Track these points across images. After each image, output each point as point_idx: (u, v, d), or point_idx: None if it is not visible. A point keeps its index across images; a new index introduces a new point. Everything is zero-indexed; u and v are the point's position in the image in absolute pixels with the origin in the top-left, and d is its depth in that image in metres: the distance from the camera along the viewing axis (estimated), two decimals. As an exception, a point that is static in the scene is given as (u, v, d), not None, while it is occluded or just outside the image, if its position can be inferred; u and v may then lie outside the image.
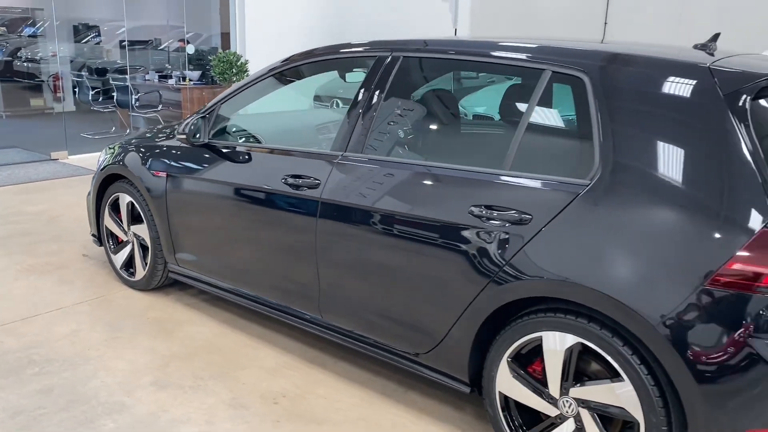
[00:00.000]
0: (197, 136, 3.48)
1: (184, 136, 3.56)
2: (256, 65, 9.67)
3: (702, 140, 2.12)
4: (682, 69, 2.26)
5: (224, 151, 3.44)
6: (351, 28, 10.74)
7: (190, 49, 10.21)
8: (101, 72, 11.22)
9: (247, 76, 9.71)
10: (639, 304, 2.07)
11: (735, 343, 1.97)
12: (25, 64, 12.12)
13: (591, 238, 2.21)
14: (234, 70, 9.13)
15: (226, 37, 10.28)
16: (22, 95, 11.96)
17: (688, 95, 2.18)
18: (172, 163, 3.65)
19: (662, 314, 2.04)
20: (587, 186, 2.26)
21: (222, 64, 9.09)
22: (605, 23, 12.64)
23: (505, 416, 2.51)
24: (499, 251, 2.38)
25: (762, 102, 2.18)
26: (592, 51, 2.46)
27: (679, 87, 2.21)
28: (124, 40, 12.18)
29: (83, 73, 10.94)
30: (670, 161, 2.16)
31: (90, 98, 9.70)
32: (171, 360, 3.27)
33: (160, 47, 13.12)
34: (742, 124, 2.07)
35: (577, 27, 12.00)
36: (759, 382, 1.97)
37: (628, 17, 12.24)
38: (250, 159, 3.33)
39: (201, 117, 3.51)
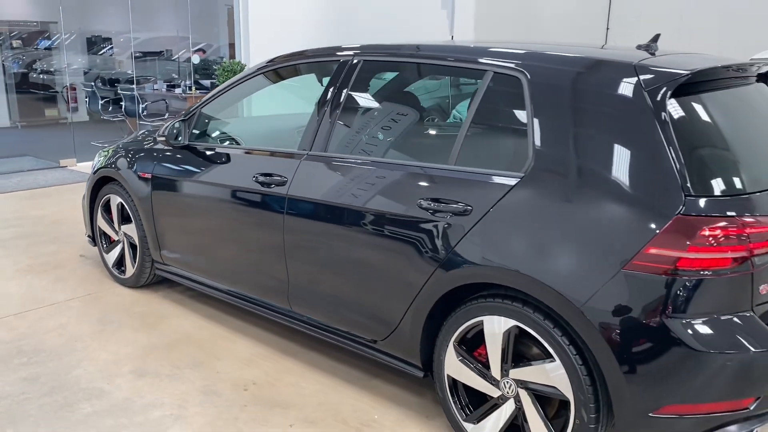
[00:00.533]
0: (178, 138, 3.67)
1: (164, 139, 3.76)
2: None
3: (625, 134, 2.25)
4: (610, 67, 2.39)
5: (203, 152, 3.62)
6: (353, 37, 10.93)
7: (195, 58, 10.48)
8: (113, 82, 11.53)
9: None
10: (565, 288, 2.20)
11: (652, 323, 2.09)
12: (41, 76, 12.48)
13: (523, 227, 2.35)
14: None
15: (233, 48, 10.52)
16: (37, 106, 12.31)
17: (614, 92, 2.31)
18: (156, 164, 3.83)
19: (586, 297, 2.16)
20: (521, 178, 2.39)
21: (227, 73, 9.32)
22: (607, 28, 12.74)
23: (453, 398, 2.64)
24: (444, 241, 2.52)
25: (684, 97, 2.30)
26: (528, 52, 2.60)
27: (605, 84, 2.34)
28: (136, 52, 12.50)
29: (93, 83, 11.25)
30: (595, 153, 2.29)
31: (100, 108, 9.99)
32: (151, 351, 3.44)
33: (173, 58, 13.44)
34: (662, 118, 2.19)
35: (580, 32, 12.08)
36: (675, 360, 2.09)
37: (630, 22, 12.30)
38: (226, 160, 3.50)
39: (182, 120, 3.69)
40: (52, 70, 12.39)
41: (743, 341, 2.09)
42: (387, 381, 3.16)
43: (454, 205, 2.50)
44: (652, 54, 2.60)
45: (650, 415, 2.14)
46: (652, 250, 2.09)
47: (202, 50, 12.44)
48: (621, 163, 2.22)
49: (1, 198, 6.76)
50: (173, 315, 3.89)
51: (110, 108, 10.10)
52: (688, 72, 2.26)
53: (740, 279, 2.09)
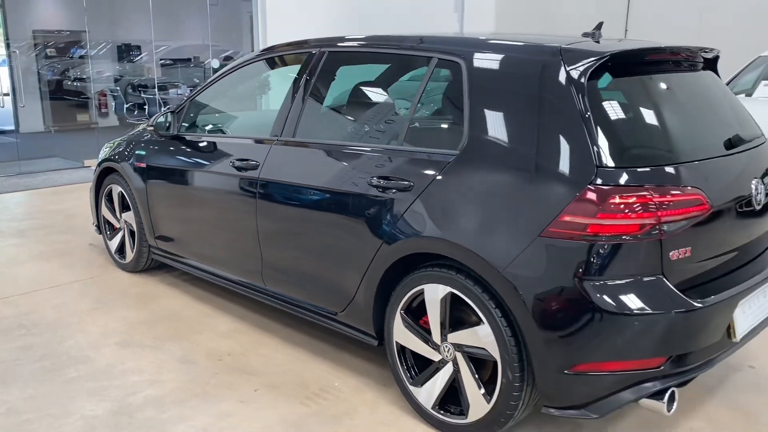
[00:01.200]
0: (169, 129, 3.93)
1: (152, 128, 4.03)
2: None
3: (547, 111, 2.40)
4: (538, 50, 2.55)
5: (190, 141, 3.87)
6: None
7: (215, 63, 10.86)
8: (140, 88, 12.00)
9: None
10: (489, 255, 2.37)
11: (565, 286, 2.25)
12: (74, 83, 13.01)
13: (455, 200, 2.52)
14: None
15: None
16: (70, 111, 12.84)
17: (539, 73, 2.47)
18: (149, 155, 4.10)
19: (507, 262, 2.32)
20: (456, 156, 2.57)
21: (244, 77, 9.65)
22: (626, 30, 12.75)
23: (401, 364, 2.82)
24: (390, 215, 2.70)
25: (606, 78, 2.45)
26: (468, 39, 2.78)
27: (532, 66, 2.50)
28: (163, 59, 12.97)
29: (118, 89, 11.72)
30: (520, 130, 2.45)
31: (125, 112, 10.43)
32: (138, 326, 3.69)
33: (201, 64, 13.87)
34: (580, 96, 2.34)
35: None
36: (586, 321, 2.23)
37: (649, 22, 12.31)
38: (209, 148, 3.75)
39: (172, 112, 3.96)
40: (83, 77, 12.92)
41: (652, 303, 2.23)
42: (353, 353, 3.34)
43: (399, 182, 2.69)
44: (597, 41, 2.75)
45: (565, 372, 2.28)
46: (566, 218, 2.24)
47: (231, 57, 12.80)
48: (543, 138, 2.38)
49: (27, 194, 7.16)
50: (165, 295, 4.14)
51: (135, 112, 10.53)
52: (607, 53, 2.41)
53: (649, 245, 2.23)
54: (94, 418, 2.77)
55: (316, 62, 3.29)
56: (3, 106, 12.60)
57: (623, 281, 2.24)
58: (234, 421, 2.75)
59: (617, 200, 2.21)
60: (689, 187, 2.31)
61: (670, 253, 2.27)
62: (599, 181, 2.23)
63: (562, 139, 2.33)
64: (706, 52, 2.86)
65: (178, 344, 3.47)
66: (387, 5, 10.88)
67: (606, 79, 2.44)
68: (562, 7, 12.55)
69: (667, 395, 2.31)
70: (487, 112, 2.54)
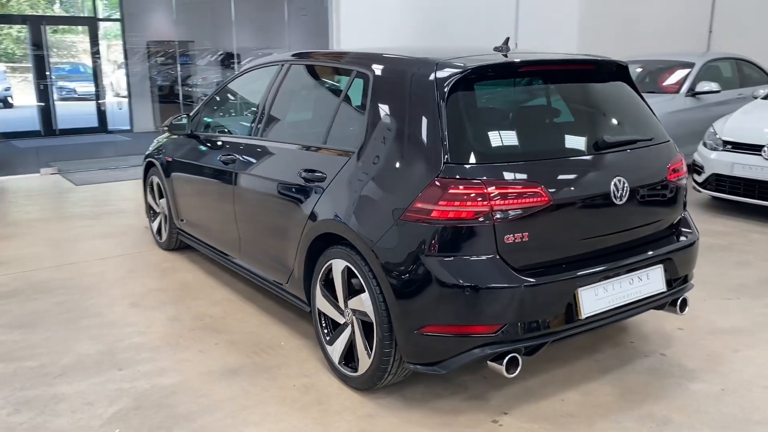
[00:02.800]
0: (182, 129, 4.70)
1: (166, 128, 4.82)
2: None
3: (417, 115, 2.86)
4: (420, 64, 3.00)
5: (198, 139, 4.62)
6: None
7: None
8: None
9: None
10: (366, 234, 2.87)
11: (414, 260, 2.71)
12: (182, 87, 14.46)
13: (348, 190, 3.04)
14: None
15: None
16: (177, 113, 14.28)
17: (416, 83, 2.93)
18: (173, 150, 4.90)
19: (376, 240, 2.82)
20: (355, 152, 3.09)
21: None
22: (710, 32, 12.39)
23: (321, 326, 3.36)
24: (311, 201, 3.26)
25: (471, 87, 2.87)
26: (376, 54, 3.27)
27: (413, 77, 2.96)
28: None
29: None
30: (396, 131, 2.92)
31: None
32: (152, 292, 4.48)
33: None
34: (440, 103, 2.78)
35: (682, 36, 11.89)
36: (431, 289, 2.68)
37: (733, 24, 11.92)
38: (209, 145, 4.47)
39: (187, 114, 4.73)
40: (190, 82, 14.32)
41: (484, 278, 2.65)
42: (308, 320, 3.92)
43: (317, 174, 3.25)
44: (505, 55, 3.17)
45: (415, 332, 2.74)
46: (418, 204, 2.71)
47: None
48: (410, 137, 2.85)
49: (118, 184, 8.32)
50: (183, 269, 4.92)
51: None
52: (469, 68, 2.83)
53: (483, 229, 2.65)
54: (86, 355, 3.54)
55: (279, 74, 3.91)
56: (121, 109, 14.28)
57: (461, 259, 2.67)
58: (188, 365, 3.42)
59: (455, 191, 2.64)
60: (527, 182, 2.69)
61: (505, 237, 2.66)
62: (444, 174, 2.67)
63: (423, 139, 2.79)
64: (593, 64, 3.19)
65: (175, 307, 4.20)
66: (454, 14, 11.34)
67: (470, 89, 2.87)
68: (645, 12, 12.40)
69: (506, 359, 2.70)
70: (378, 115, 3.04)
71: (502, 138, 2.88)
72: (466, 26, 11.52)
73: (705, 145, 6.68)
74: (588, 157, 2.94)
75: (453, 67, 2.86)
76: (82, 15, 13.86)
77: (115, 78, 15.02)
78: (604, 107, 3.22)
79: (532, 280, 2.68)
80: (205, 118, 4.74)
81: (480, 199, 2.63)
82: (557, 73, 3.15)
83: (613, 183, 2.89)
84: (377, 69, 3.15)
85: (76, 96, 14.68)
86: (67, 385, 3.22)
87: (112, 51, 14.20)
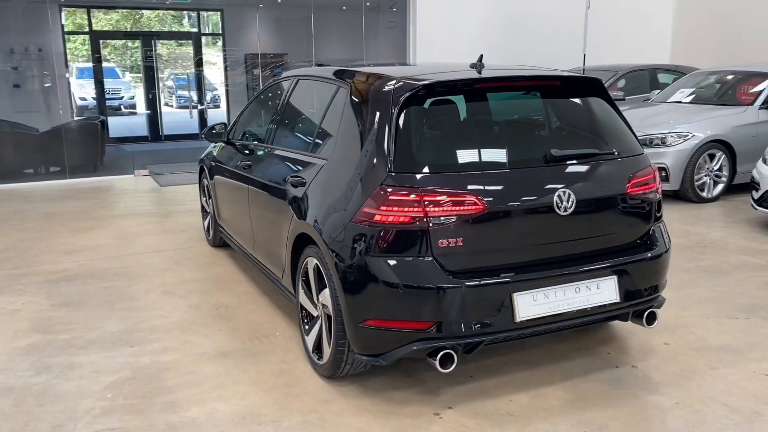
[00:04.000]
0: (218, 137, 5.20)
1: (204, 136, 5.33)
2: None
3: (375, 128, 3.12)
4: (385, 80, 3.26)
5: (232, 146, 5.10)
6: (514, 59, 11.75)
7: None
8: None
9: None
10: (325, 235, 3.17)
11: (359, 259, 2.98)
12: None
13: (319, 194, 3.35)
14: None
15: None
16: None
17: (378, 97, 3.20)
18: (217, 155, 5.42)
19: (332, 241, 3.11)
20: (327, 161, 3.40)
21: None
22: (815, 34, 11.65)
23: (301, 318, 3.69)
24: (294, 205, 3.60)
25: (424, 102, 3.10)
26: (354, 70, 3.56)
27: (377, 92, 3.23)
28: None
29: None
30: (359, 141, 3.20)
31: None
32: (186, 282, 4.99)
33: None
34: (393, 117, 3.04)
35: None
36: (372, 286, 2.94)
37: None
38: (237, 150, 4.93)
39: (224, 123, 5.23)
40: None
41: (418, 277, 2.87)
42: (307, 315, 4.26)
43: (300, 179, 3.59)
44: (479, 72, 3.39)
45: (360, 325, 3.00)
46: (365, 209, 2.98)
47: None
48: (368, 147, 3.12)
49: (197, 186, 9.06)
50: (220, 264, 5.42)
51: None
52: (419, 85, 3.07)
53: (419, 233, 2.88)
54: (110, 332, 4.07)
55: (289, 87, 4.30)
56: (223, 116, 15.26)
57: (398, 259, 2.91)
58: (188, 346, 3.86)
59: (394, 197, 2.89)
60: (462, 191, 2.89)
61: (439, 241, 2.88)
62: (387, 182, 2.93)
63: (375, 149, 3.05)
64: (558, 80, 3.32)
65: (199, 296, 4.68)
66: (524, 25, 11.37)
67: (421, 104, 3.10)
68: (741, 19, 11.86)
69: (439, 355, 2.91)
70: (348, 127, 3.33)
71: (445, 150, 3.09)
72: (548, 34, 11.55)
73: (764, 161, 6.41)
74: (533, 169, 3.08)
75: (407, 84, 3.11)
76: (188, 30, 15.03)
77: (215, 88, 16.13)
78: (565, 122, 3.34)
79: (463, 282, 2.87)
80: (239, 127, 5.21)
81: (416, 205, 2.86)
82: (517, 88, 3.30)
83: (557, 195, 3.01)
84: (352, 84, 3.45)
85: (181, 105, 15.92)
86: (85, 356, 3.74)
87: (213, 63, 15.28)
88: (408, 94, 3.06)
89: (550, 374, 3.46)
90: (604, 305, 3.15)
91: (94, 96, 14.84)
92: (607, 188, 3.20)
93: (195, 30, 14.71)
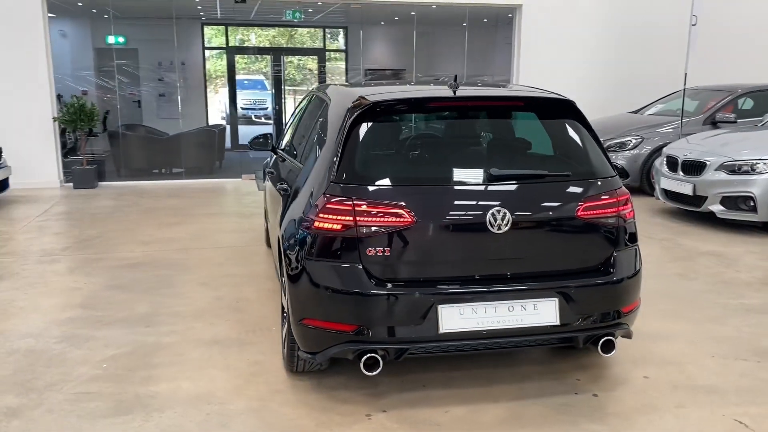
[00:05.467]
0: (263, 145, 5.64)
1: (250, 144, 5.78)
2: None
3: (333, 140, 3.34)
4: (351, 97, 3.46)
5: (277, 153, 5.52)
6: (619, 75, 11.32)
7: None
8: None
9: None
10: (283, 237, 3.45)
11: (299, 262, 3.22)
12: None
13: (292, 199, 3.63)
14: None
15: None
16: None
17: (341, 112, 3.41)
18: (269, 162, 5.87)
19: (285, 244, 3.38)
20: (301, 170, 3.67)
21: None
22: None
23: (282, 314, 3.97)
24: (284, 207, 3.90)
25: (379, 118, 3.29)
26: (336, 87, 3.79)
27: (342, 108, 3.44)
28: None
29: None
30: (320, 151, 3.44)
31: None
32: (224, 277, 5.46)
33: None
34: (345, 131, 3.24)
35: None
36: (306, 287, 3.17)
37: None
38: (276, 159, 5.33)
39: (269, 133, 5.66)
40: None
41: (345, 282, 3.06)
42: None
43: (285, 186, 3.89)
44: (454, 91, 3.54)
45: (300, 323, 3.23)
46: (308, 215, 3.22)
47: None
48: (324, 158, 3.35)
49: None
50: (263, 262, 5.86)
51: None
52: (370, 102, 3.26)
53: (349, 240, 3.06)
54: (137, 314, 4.60)
55: (307, 100, 4.62)
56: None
57: (330, 264, 3.11)
58: (191, 331, 4.28)
59: (330, 206, 3.10)
60: (392, 204, 3.03)
61: (367, 250, 3.05)
62: (327, 191, 3.15)
63: (328, 160, 3.27)
64: (522, 101, 3.36)
65: (227, 289, 5.12)
66: (626, 33, 10.92)
67: (374, 120, 3.28)
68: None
69: (363, 358, 3.07)
70: (318, 139, 3.59)
71: (386, 164, 3.25)
72: (652, 51, 11.05)
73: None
74: (470, 187, 3.15)
75: (362, 102, 3.31)
76: (313, 47, 15.96)
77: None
78: (523, 142, 3.35)
79: (387, 290, 3.02)
80: (284, 137, 5.62)
81: (348, 214, 3.05)
82: (475, 108, 3.38)
83: (490, 213, 3.06)
84: (329, 99, 3.70)
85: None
86: (105, 331, 4.28)
87: (335, 77, 16.07)
88: (360, 111, 3.26)
89: (503, 392, 3.47)
90: (542, 327, 3.13)
91: (244, 105, 16.34)
92: (552, 210, 3.18)
93: (320, 46, 15.58)
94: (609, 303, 3.25)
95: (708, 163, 7.17)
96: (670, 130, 9.38)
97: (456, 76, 3.64)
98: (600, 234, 3.25)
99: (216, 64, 15.71)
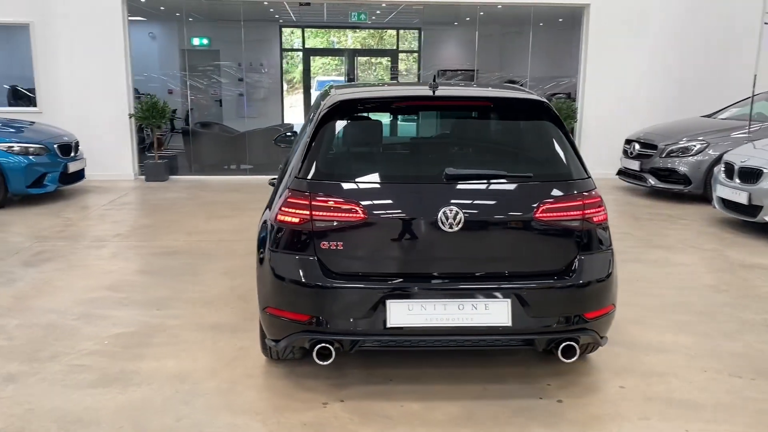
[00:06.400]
0: (281, 142, 5.84)
1: (275, 142, 5.99)
2: (594, 107, 10.91)
3: (305, 138, 3.48)
4: (335, 97, 3.56)
5: (298, 152, 5.72)
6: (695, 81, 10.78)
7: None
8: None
9: (573, 120, 10.97)
10: (261, 231, 3.60)
11: (264, 252, 3.37)
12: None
13: (275, 193, 3.78)
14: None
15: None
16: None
17: (316, 110, 3.54)
18: (295, 160, 6.09)
19: (259, 233, 3.54)
20: (285, 162, 3.82)
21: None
22: None
23: (272, 305, 4.14)
24: (270, 197, 4.06)
25: (347, 116, 3.39)
26: (334, 87, 3.91)
27: (317, 107, 3.57)
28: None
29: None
30: (297, 147, 3.57)
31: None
32: (248, 267, 5.70)
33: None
34: (315, 129, 3.36)
35: None
36: (267, 277, 3.31)
37: None
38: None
39: (295, 132, 5.85)
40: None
41: (299, 273, 3.18)
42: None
43: (276, 181, 4.06)
44: (433, 91, 3.60)
45: (264, 310, 3.38)
46: (275, 208, 3.37)
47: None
48: (296, 155, 3.49)
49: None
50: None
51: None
52: (336, 102, 3.36)
53: (305, 233, 3.19)
54: (154, 297, 4.92)
55: (313, 104, 4.77)
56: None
57: (288, 256, 3.24)
58: (196, 316, 4.54)
59: (291, 200, 3.23)
60: (346, 200, 3.13)
61: (322, 243, 3.16)
62: (291, 185, 3.29)
63: (299, 157, 3.40)
64: (490, 101, 3.36)
65: (244, 279, 5.34)
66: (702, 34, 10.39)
67: (343, 118, 3.38)
68: None
69: (316, 348, 3.19)
70: (301, 136, 3.73)
71: (347, 161, 3.34)
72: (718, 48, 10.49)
73: None
74: (426, 185, 3.19)
75: (334, 100, 3.42)
76: (386, 48, 16.16)
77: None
78: (489, 142, 3.35)
79: (338, 283, 3.12)
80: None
81: (305, 209, 3.18)
82: (445, 108, 3.40)
83: (442, 212, 3.09)
84: (323, 101, 3.82)
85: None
86: (120, 311, 4.62)
87: (409, 77, 16.19)
88: (326, 111, 3.37)
89: (466, 392, 3.48)
90: (493, 327, 3.13)
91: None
92: (509, 211, 3.16)
93: (393, 48, 15.76)
94: (569, 308, 3.20)
95: (765, 171, 6.75)
96: (743, 136, 8.85)
97: (435, 76, 3.68)
98: (562, 237, 3.20)
99: (293, 65, 16.23)
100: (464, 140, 3.50)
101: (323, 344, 3.18)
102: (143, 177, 10.65)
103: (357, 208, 3.12)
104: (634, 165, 9.46)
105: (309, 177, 3.25)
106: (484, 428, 3.14)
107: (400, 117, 3.44)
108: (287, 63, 15.99)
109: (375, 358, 3.79)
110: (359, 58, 15.60)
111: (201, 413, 3.25)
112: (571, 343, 3.23)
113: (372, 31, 15.95)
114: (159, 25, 14.77)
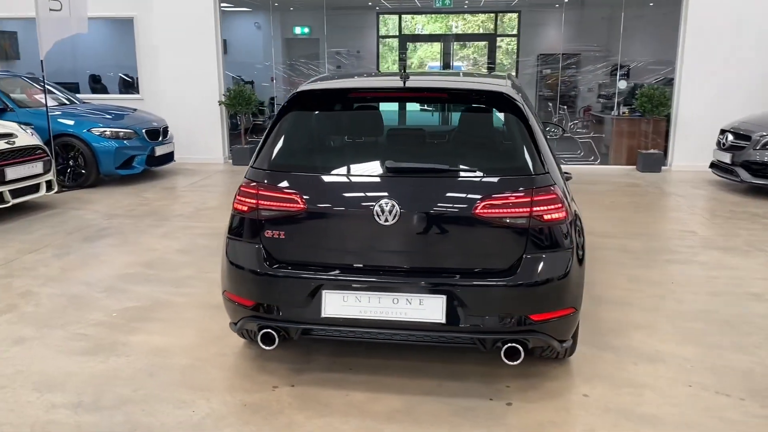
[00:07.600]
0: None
1: None
2: (690, 96, 10.14)
3: (273, 126, 3.56)
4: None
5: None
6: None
7: (622, 84, 11.26)
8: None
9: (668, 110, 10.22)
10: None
11: (225, 240, 3.50)
12: (564, 95, 15.06)
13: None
14: (651, 105, 9.97)
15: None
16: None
17: (285, 103, 3.60)
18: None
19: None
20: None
21: (643, 98, 10.05)
22: None
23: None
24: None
25: (305, 107, 3.44)
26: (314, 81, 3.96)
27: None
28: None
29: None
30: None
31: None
32: (277, 250, 5.93)
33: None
34: (281, 118, 3.44)
35: None
36: (224, 263, 3.44)
37: None
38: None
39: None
40: (572, 92, 14.82)
41: (244, 259, 3.30)
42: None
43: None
44: (404, 82, 3.60)
45: (223, 294, 3.54)
46: (236, 198, 3.49)
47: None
48: (259, 144, 3.59)
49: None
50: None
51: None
52: (296, 92, 3.42)
53: (253, 221, 3.29)
54: (178, 275, 5.25)
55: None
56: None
57: (237, 242, 3.36)
58: (201, 297, 4.78)
59: (243, 189, 3.35)
60: (287, 190, 3.19)
61: (266, 232, 3.25)
62: (246, 175, 3.40)
63: (261, 147, 3.51)
64: (445, 93, 3.28)
65: (268, 263, 5.57)
66: None
67: (301, 108, 3.44)
68: None
69: (260, 333, 3.30)
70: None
71: (296, 151, 3.38)
72: None
73: None
74: (363, 178, 3.17)
75: (296, 91, 3.48)
76: (483, 33, 15.83)
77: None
78: (435, 135, 3.27)
79: (277, 270, 3.20)
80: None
81: (253, 198, 3.28)
82: (401, 99, 3.36)
83: (378, 204, 3.07)
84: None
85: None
86: (141, 287, 4.98)
87: (505, 63, 15.77)
88: (286, 102, 3.44)
89: (419, 386, 3.45)
90: (427, 323, 3.08)
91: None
92: (447, 206, 3.08)
93: (491, 32, 15.42)
94: (512, 308, 3.08)
95: None
96: None
97: (404, 66, 3.63)
98: (506, 235, 3.08)
99: (389, 51, 16.33)
100: (423, 133, 3.43)
101: (266, 329, 3.28)
102: (231, 161, 11.24)
103: (296, 198, 3.18)
104: (726, 157, 8.69)
105: (262, 167, 3.35)
106: (416, 424, 3.11)
107: (356, 108, 3.43)
108: (384, 49, 16.12)
109: (345, 348, 3.84)
110: (456, 43, 15.41)
111: (158, 387, 3.47)
112: (515, 345, 3.10)
113: (467, 16, 15.68)
114: (263, 15, 15.41)
